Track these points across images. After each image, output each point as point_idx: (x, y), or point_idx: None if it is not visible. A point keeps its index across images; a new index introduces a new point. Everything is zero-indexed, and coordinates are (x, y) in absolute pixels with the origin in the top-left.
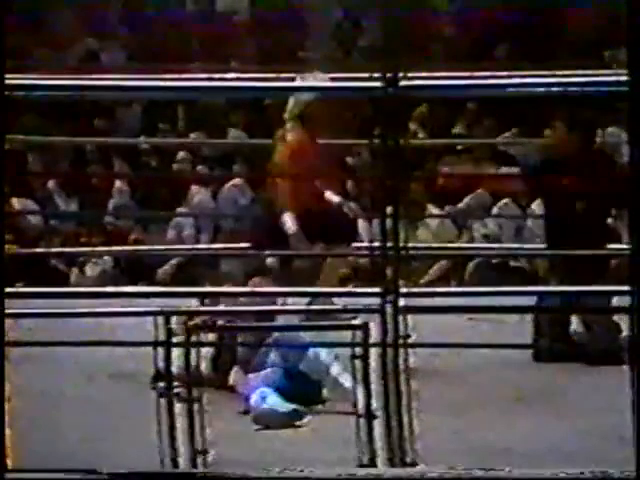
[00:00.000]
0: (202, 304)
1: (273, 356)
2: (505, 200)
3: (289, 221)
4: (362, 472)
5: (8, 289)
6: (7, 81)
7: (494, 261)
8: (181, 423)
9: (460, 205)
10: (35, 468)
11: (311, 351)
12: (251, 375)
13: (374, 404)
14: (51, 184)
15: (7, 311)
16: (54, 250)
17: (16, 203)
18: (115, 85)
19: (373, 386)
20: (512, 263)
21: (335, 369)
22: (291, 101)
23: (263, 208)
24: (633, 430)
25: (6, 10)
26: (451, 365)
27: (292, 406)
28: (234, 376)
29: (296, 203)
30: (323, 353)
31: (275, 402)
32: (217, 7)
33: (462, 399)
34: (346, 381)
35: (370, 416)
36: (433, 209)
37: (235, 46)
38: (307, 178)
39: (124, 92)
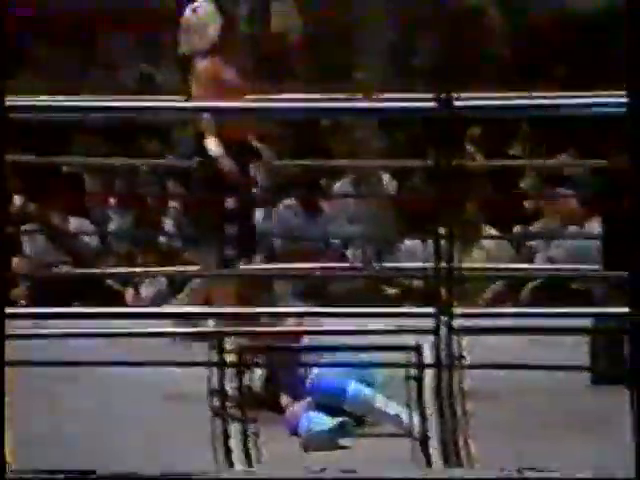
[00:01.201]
0: (255, 325)
1: (315, 398)
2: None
3: (213, 145)
4: None
5: (9, 309)
6: (7, 102)
7: (551, 283)
8: (236, 443)
9: (531, 228)
10: (35, 469)
11: (352, 390)
12: (297, 404)
13: (428, 426)
14: (107, 204)
15: (23, 332)
16: (109, 270)
17: (72, 223)
18: (161, 106)
19: (427, 408)
20: (571, 285)
21: (379, 402)
22: (194, 34)
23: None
24: (633, 431)
25: (7, 34)
26: (507, 387)
27: (339, 419)
28: (284, 399)
29: (221, 129)
30: (365, 390)
31: (321, 421)
32: (271, 27)
33: (518, 422)
34: (392, 410)
35: (425, 438)
36: (489, 230)
37: (288, 66)
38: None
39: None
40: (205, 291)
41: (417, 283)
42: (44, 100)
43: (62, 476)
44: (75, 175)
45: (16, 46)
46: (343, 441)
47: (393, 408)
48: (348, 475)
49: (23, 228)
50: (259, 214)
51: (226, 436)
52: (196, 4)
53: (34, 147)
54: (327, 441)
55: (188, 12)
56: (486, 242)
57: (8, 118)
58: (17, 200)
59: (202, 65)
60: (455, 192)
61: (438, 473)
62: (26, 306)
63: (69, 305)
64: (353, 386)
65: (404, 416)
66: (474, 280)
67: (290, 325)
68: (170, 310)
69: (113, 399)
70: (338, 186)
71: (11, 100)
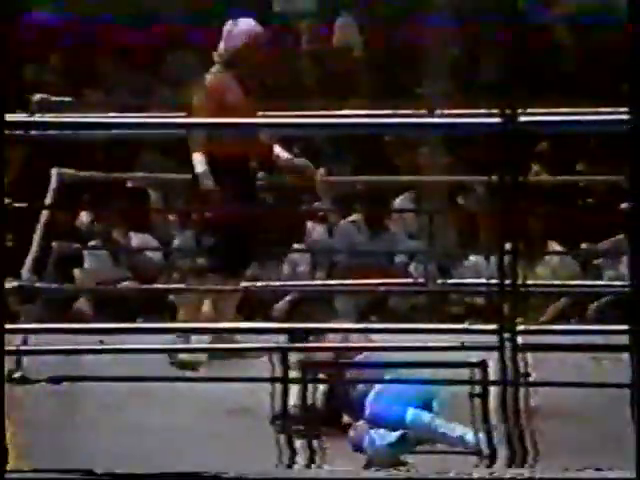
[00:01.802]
0: (317, 340)
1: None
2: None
3: (198, 161)
4: None
5: (8, 325)
6: (7, 118)
7: (619, 300)
8: (301, 459)
9: (600, 245)
10: (34, 468)
11: (410, 417)
12: (359, 423)
13: (495, 443)
14: (170, 220)
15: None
16: (172, 286)
17: (136, 239)
18: (191, 122)
19: (493, 425)
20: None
21: (440, 426)
22: (222, 45)
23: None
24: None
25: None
26: (573, 405)
27: (400, 432)
28: (346, 415)
29: (211, 145)
30: (424, 416)
31: (384, 435)
32: (333, 44)
33: (585, 440)
34: (456, 431)
35: (492, 455)
36: (555, 246)
37: (350, 82)
38: (226, 116)
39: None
40: (196, 307)
41: (481, 299)
42: (43, 116)
43: (62, 476)
44: (139, 191)
45: (86, 64)
46: (409, 457)
47: (456, 429)
48: (349, 475)
49: (89, 244)
50: (321, 230)
51: (292, 452)
52: (242, 19)
53: (99, 163)
54: (391, 456)
55: (231, 23)
56: (551, 259)
57: (6, 134)
58: (83, 216)
59: (209, 78)
60: (520, 208)
61: None
62: (91, 321)
63: (132, 320)
64: (411, 412)
65: (469, 437)
66: (539, 297)
67: (352, 341)
68: (227, 325)
69: (181, 414)
70: (399, 202)
71: (10, 116)
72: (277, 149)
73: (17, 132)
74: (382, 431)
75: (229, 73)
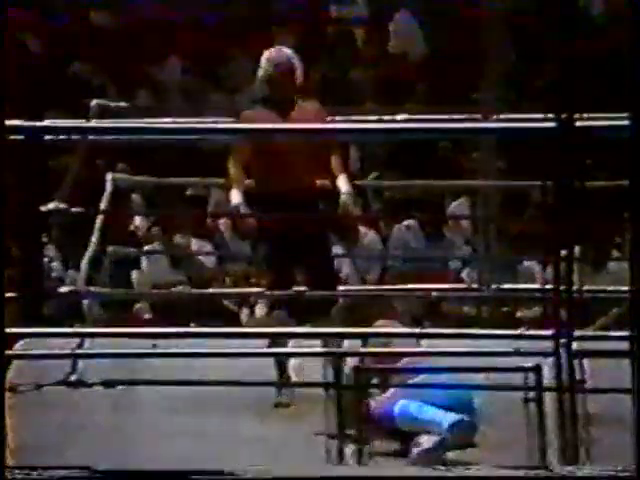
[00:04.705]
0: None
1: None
2: None
3: (234, 196)
4: None
5: (9, 329)
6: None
7: None
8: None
9: None
10: (35, 466)
11: (399, 409)
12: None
13: (549, 449)
14: (222, 226)
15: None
16: (225, 290)
17: (194, 244)
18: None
19: (548, 431)
20: None
21: (428, 414)
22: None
23: None
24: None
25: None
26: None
27: (437, 437)
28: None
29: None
30: (411, 405)
31: (430, 412)
32: (389, 48)
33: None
34: (443, 419)
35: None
36: (613, 252)
37: (407, 87)
38: (265, 153)
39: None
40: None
41: (536, 305)
42: (44, 122)
43: (62, 473)
44: (199, 197)
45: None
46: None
47: (446, 418)
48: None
49: (145, 248)
50: (373, 235)
51: (341, 456)
52: (289, 51)
53: (159, 169)
54: (436, 457)
55: (279, 52)
56: (612, 265)
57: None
58: (139, 221)
59: (247, 112)
60: (577, 213)
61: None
62: (147, 324)
63: (187, 325)
64: (400, 404)
65: (461, 425)
66: (597, 303)
67: (406, 346)
68: (280, 330)
69: (228, 417)
70: (454, 206)
71: (11, 122)
72: (341, 180)
73: (18, 137)
74: (426, 408)
75: (267, 108)
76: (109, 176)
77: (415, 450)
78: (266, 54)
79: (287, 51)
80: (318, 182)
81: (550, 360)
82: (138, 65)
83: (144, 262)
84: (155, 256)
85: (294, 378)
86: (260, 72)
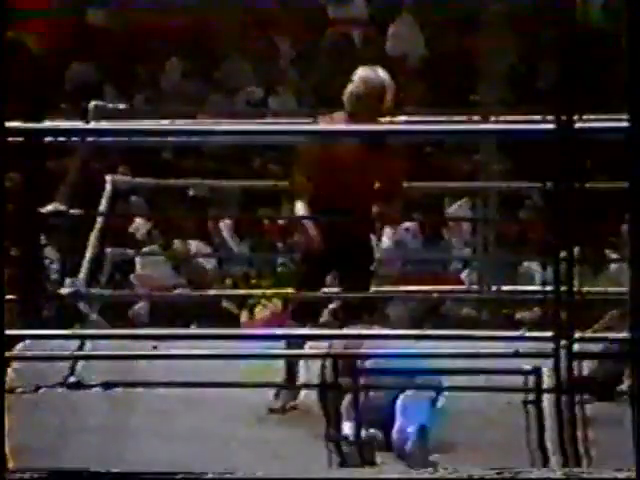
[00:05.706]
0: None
1: None
2: None
3: (299, 207)
4: None
5: (9, 331)
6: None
7: None
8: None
9: None
10: (33, 468)
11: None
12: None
13: (549, 450)
14: (223, 227)
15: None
16: (226, 292)
17: (193, 246)
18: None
19: (547, 433)
20: None
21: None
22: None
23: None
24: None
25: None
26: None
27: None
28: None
29: (315, 193)
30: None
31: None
32: (388, 51)
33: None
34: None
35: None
36: (612, 254)
37: (406, 90)
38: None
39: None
40: None
41: (536, 307)
42: (42, 124)
43: (60, 475)
44: (199, 199)
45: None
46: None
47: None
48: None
49: (143, 250)
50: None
51: (343, 458)
52: (383, 74)
53: (160, 170)
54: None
55: (374, 73)
56: (611, 267)
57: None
58: (138, 223)
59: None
60: (576, 215)
61: None
62: (147, 325)
63: (187, 326)
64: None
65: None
66: (596, 305)
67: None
68: (281, 331)
69: (228, 420)
70: (454, 209)
71: (10, 123)
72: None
73: (17, 139)
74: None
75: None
76: (108, 178)
77: (408, 446)
78: (360, 71)
79: (381, 73)
80: (374, 209)
81: (550, 362)
82: (137, 66)
83: (142, 264)
84: (155, 258)
85: (303, 380)
86: (349, 87)
